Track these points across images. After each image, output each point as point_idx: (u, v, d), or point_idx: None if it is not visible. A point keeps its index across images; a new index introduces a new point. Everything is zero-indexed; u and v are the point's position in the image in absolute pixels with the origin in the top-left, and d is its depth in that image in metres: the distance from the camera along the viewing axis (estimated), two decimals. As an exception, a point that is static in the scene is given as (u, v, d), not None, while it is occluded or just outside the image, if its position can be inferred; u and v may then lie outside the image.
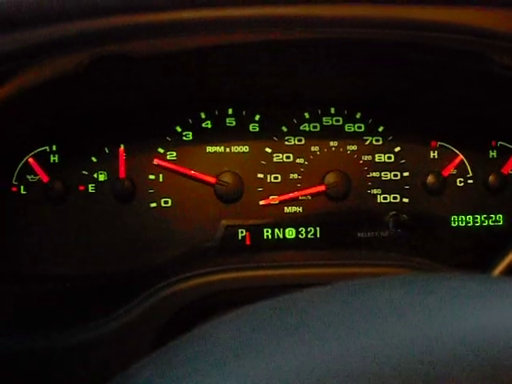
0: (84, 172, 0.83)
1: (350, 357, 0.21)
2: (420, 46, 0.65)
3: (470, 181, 0.88)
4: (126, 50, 0.61)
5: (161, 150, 0.84)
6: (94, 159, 0.83)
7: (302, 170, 0.86)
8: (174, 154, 0.84)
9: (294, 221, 0.86)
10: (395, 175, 0.87)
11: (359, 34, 0.60)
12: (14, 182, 0.82)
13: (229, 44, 0.65)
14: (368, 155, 0.87)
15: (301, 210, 0.86)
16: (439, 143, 0.88)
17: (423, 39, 0.61)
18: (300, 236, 0.86)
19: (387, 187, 0.87)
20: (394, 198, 0.87)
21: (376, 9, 0.56)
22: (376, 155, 0.87)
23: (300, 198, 0.86)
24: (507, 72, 0.64)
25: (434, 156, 0.88)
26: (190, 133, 0.84)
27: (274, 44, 0.66)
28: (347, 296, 0.27)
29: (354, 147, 0.86)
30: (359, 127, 0.87)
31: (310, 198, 0.86)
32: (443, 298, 0.26)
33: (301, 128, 0.86)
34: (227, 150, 0.85)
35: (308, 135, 0.86)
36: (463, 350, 0.20)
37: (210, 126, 0.85)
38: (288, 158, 0.86)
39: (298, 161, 0.86)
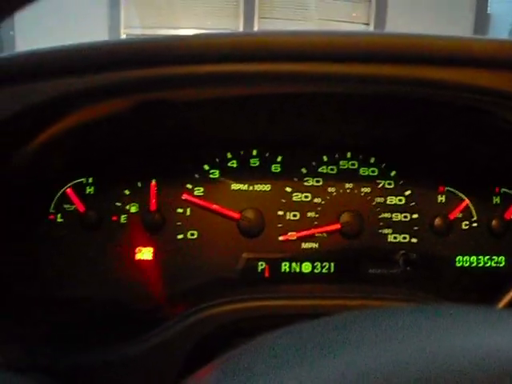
0: (117, 203, 0.89)
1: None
2: (432, 102, 0.72)
3: (475, 224, 0.94)
4: (168, 97, 0.68)
5: (189, 186, 0.90)
6: (126, 192, 0.89)
7: (319, 208, 0.92)
8: (202, 190, 0.90)
9: (310, 256, 0.91)
10: (405, 216, 0.93)
11: (373, 90, 0.67)
12: (52, 211, 0.88)
13: (260, 95, 0.73)
14: (380, 197, 0.93)
15: (317, 246, 0.92)
16: (447, 188, 0.94)
17: (435, 96, 0.68)
18: (315, 270, 0.92)
19: (397, 227, 0.93)
20: (404, 237, 0.93)
21: (393, 68, 0.63)
22: (388, 197, 0.93)
23: (316, 234, 0.92)
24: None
25: (441, 200, 0.94)
26: (217, 171, 0.91)
27: (299, 97, 0.73)
28: (368, 322, 0.32)
29: (368, 189, 0.92)
30: (373, 171, 0.93)
31: (325, 235, 0.92)
32: (448, 326, 0.29)
33: (319, 170, 0.92)
34: (250, 188, 0.91)
35: (325, 177, 0.92)
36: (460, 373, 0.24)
37: (235, 165, 0.91)
38: (306, 197, 0.92)
39: (315, 200, 0.92)
